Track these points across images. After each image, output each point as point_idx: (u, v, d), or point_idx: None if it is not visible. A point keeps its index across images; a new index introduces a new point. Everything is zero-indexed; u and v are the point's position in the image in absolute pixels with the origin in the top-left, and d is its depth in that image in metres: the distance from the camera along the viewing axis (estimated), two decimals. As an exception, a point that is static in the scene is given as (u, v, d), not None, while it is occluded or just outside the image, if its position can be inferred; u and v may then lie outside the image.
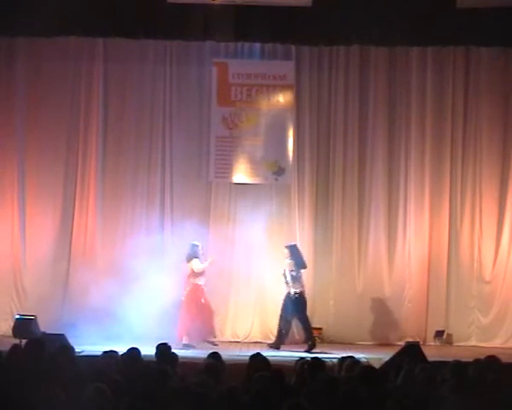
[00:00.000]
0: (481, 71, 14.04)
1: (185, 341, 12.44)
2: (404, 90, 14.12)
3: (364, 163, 14.11)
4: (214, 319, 12.95)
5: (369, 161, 14.10)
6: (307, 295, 12.97)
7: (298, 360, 7.80)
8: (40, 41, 13.67)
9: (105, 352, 7.67)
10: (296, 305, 12.72)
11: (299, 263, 12.85)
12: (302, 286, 12.79)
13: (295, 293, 12.70)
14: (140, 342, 9.43)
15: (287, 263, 12.85)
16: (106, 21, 13.00)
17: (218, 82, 14.01)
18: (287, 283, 12.78)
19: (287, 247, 12.99)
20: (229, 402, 5.90)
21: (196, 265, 12.73)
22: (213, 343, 12.47)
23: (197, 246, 12.89)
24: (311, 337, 12.75)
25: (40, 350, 6.88)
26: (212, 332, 12.82)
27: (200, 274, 12.76)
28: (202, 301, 12.72)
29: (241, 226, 13.80)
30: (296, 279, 12.75)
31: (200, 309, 12.65)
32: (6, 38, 13.67)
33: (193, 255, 12.80)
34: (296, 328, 13.49)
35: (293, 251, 12.92)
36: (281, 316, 12.87)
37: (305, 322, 12.84)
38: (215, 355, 7.78)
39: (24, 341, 9.03)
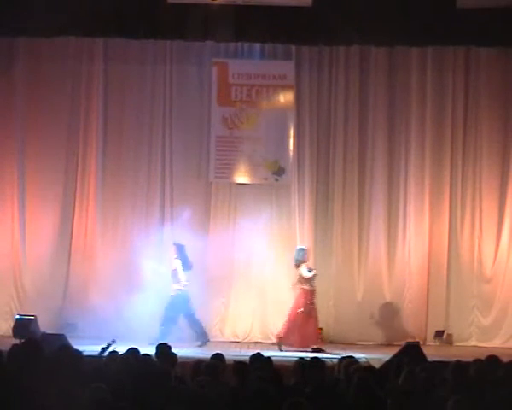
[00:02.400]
0: (481, 71, 14.04)
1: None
2: (404, 90, 14.12)
3: (364, 163, 14.11)
4: (317, 327, 12.78)
5: (369, 161, 14.10)
6: None
7: (297, 360, 7.80)
8: (40, 41, 13.66)
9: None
10: (177, 302, 12.74)
11: (186, 263, 12.87)
12: (184, 285, 12.80)
13: (179, 290, 12.76)
14: (140, 341, 9.46)
15: (175, 261, 12.87)
16: (106, 21, 12.96)
17: (218, 82, 14.01)
18: (175, 280, 12.82)
19: (175, 245, 12.99)
20: (228, 402, 5.90)
21: (304, 272, 12.67)
22: (319, 350, 12.25)
23: (304, 250, 12.90)
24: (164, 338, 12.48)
25: (37, 351, 6.86)
26: (316, 340, 12.66)
27: (308, 279, 12.68)
28: (311, 305, 12.65)
29: (241, 227, 13.81)
30: (183, 278, 12.77)
31: (307, 314, 12.57)
32: (6, 38, 13.66)
33: (301, 261, 12.77)
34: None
35: (182, 250, 12.92)
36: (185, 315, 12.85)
37: (171, 320, 12.72)
38: (219, 356, 7.77)
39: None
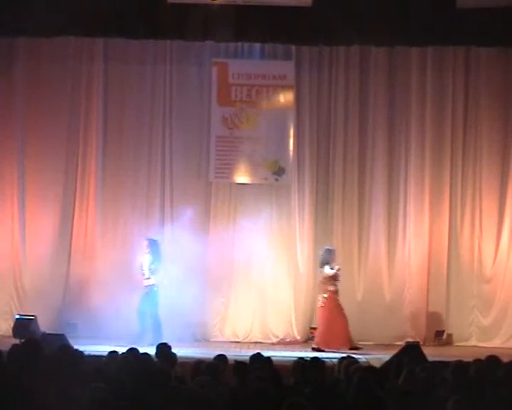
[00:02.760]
0: (481, 71, 14.04)
1: (314, 344, 12.57)
2: (404, 90, 14.11)
3: (364, 163, 14.10)
4: (347, 327, 12.75)
5: (369, 161, 14.10)
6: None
7: (297, 360, 7.80)
8: (40, 41, 13.66)
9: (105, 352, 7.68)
10: (151, 298, 12.67)
11: (157, 258, 12.81)
12: (157, 280, 12.75)
13: (151, 285, 12.69)
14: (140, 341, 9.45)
15: (145, 256, 12.82)
16: (106, 21, 12.96)
17: (218, 82, 14.01)
18: (144, 275, 12.76)
19: (148, 240, 12.94)
20: (228, 402, 5.90)
21: (326, 270, 12.72)
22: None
23: (330, 251, 12.93)
24: (160, 335, 12.23)
25: (37, 351, 6.87)
26: (348, 341, 12.59)
27: (334, 279, 12.71)
28: (339, 306, 12.73)
29: (241, 227, 13.81)
30: (154, 273, 12.73)
31: (335, 315, 12.65)
32: (6, 38, 13.66)
33: (325, 261, 12.81)
34: (296, 327, 13.58)
35: (154, 245, 12.88)
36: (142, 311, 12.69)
37: (156, 317, 12.65)
38: (222, 357, 7.76)
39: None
